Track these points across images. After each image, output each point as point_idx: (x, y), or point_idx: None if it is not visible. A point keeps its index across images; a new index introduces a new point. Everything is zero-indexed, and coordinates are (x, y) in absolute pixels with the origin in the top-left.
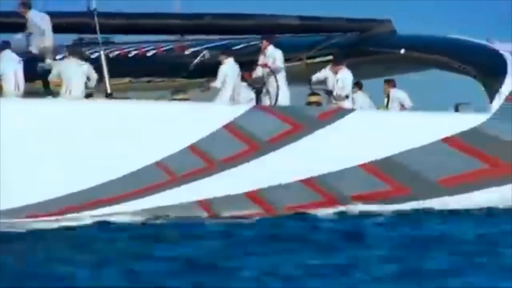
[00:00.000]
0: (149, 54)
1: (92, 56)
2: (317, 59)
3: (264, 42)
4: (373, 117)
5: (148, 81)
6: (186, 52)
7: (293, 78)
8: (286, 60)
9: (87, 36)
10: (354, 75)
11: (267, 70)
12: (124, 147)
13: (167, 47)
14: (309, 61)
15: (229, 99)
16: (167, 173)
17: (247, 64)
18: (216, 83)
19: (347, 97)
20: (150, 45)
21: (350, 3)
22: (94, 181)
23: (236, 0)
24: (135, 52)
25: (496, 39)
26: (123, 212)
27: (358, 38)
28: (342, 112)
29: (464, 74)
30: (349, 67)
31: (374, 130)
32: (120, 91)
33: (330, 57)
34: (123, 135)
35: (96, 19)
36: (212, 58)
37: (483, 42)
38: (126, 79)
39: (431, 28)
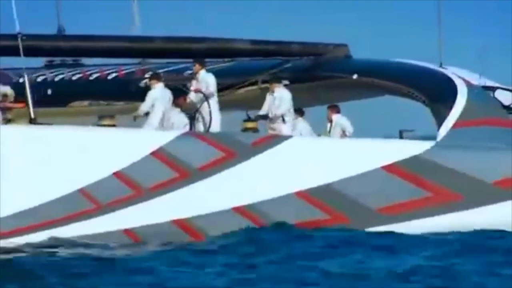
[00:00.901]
0: (110, 77)
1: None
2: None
3: (197, 66)
4: (310, 144)
5: (107, 104)
6: (146, 75)
7: (248, 103)
8: (240, 84)
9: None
10: (307, 100)
11: (200, 95)
12: (47, 173)
13: (128, 70)
14: (263, 85)
15: (158, 124)
16: (91, 201)
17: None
18: (142, 108)
19: (283, 119)
20: (112, 68)
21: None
22: (15, 208)
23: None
24: (97, 74)
25: (450, 65)
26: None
27: (312, 62)
28: (278, 139)
29: (414, 100)
30: (300, 92)
31: (311, 157)
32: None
33: (285, 82)
34: (45, 161)
35: (20, 41)
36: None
37: (436, 67)
38: (86, 102)
39: (393, 53)
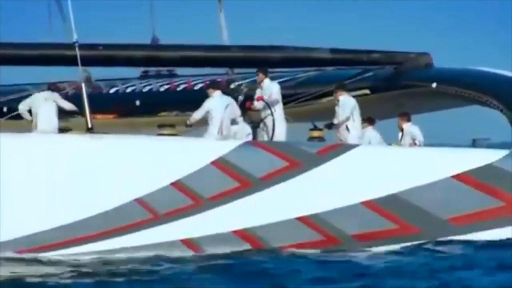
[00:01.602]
0: (196, 87)
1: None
2: (352, 93)
3: (260, 75)
4: (377, 153)
5: None
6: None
7: (330, 112)
8: (321, 95)
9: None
10: (388, 110)
11: (263, 104)
12: (105, 183)
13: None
14: None
15: (217, 133)
16: (149, 211)
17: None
18: (194, 115)
19: (347, 128)
20: (200, 78)
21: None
22: (75, 217)
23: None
24: (184, 85)
25: None
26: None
27: (393, 71)
28: (343, 148)
29: (491, 108)
30: (381, 101)
31: (377, 166)
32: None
33: (366, 91)
34: (103, 171)
35: (77, 50)
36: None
37: None
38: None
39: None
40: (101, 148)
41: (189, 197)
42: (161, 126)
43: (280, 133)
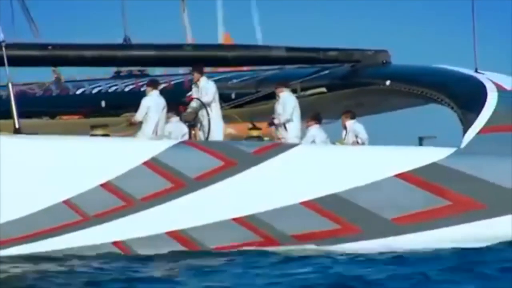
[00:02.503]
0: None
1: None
2: (309, 91)
3: (195, 74)
4: (317, 152)
5: None
6: None
7: None
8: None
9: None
10: (343, 109)
11: (199, 103)
12: (32, 185)
13: (176, 81)
14: (302, 93)
15: (152, 133)
16: (77, 213)
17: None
18: (137, 116)
19: (284, 126)
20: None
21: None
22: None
23: None
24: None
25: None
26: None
27: (350, 69)
28: (281, 147)
29: (443, 106)
30: (337, 100)
31: (318, 165)
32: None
33: (322, 89)
34: (31, 172)
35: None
36: None
37: (469, 72)
38: None
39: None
40: (28, 149)
41: (120, 198)
42: (93, 126)
43: (217, 133)
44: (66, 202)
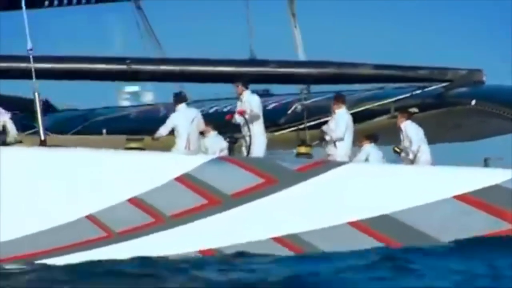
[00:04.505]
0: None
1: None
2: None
3: (239, 87)
4: (366, 171)
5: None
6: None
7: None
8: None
9: None
10: (433, 130)
11: (242, 118)
12: (55, 198)
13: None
14: (396, 113)
15: (184, 147)
16: (101, 228)
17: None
18: (160, 130)
19: (334, 143)
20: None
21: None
22: (22, 232)
23: None
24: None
25: None
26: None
27: (442, 89)
28: (327, 165)
29: None
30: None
31: (368, 185)
32: None
33: (414, 109)
34: (56, 185)
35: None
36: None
37: None
38: None
39: None
40: (54, 162)
41: (149, 214)
42: (129, 140)
43: (258, 149)
44: (89, 217)
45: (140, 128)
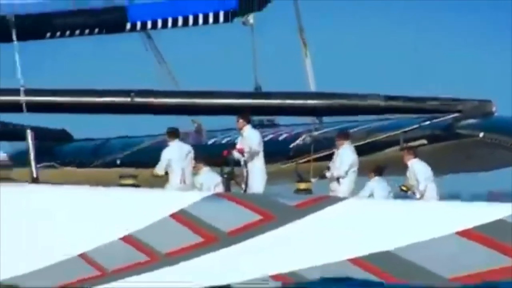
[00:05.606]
0: (280, 138)
1: None
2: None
3: (240, 121)
4: (367, 207)
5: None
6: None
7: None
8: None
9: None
10: (441, 163)
11: (240, 155)
12: (47, 237)
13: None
14: (405, 145)
15: (179, 183)
16: (95, 267)
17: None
18: (156, 168)
19: (337, 179)
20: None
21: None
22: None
23: None
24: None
25: None
26: None
27: (451, 120)
28: (326, 201)
29: None
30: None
31: (367, 221)
32: None
33: (423, 141)
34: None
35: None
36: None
37: None
38: None
39: None
40: (44, 199)
41: (142, 252)
42: (122, 176)
43: (257, 185)
44: (82, 255)
45: (154, 160)
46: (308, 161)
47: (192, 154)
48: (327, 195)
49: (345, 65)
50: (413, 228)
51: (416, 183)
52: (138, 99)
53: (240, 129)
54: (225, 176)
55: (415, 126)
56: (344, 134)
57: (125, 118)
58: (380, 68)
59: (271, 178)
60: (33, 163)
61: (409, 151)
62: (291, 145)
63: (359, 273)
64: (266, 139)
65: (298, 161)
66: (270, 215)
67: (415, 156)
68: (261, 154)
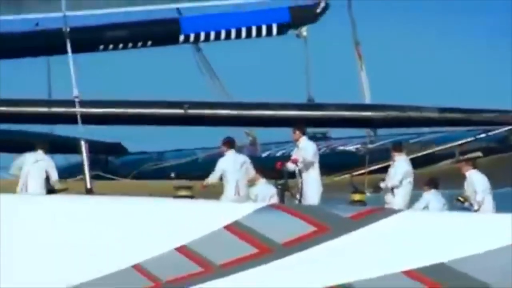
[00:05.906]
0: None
1: None
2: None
3: (297, 133)
4: (422, 219)
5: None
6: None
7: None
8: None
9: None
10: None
11: (295, 166)
12: (101, 248)
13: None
14: (461, 157)
15: (234, 194)
16: (149, 278)
17: None
18: (209, 178)
19: (392, 191)
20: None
21: None
22: (69, 282)
23: None
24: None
25: None
26: None
27: (505, 132)
28: (382, 213)
29: None
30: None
31: (423, 233)
32: None
33: (478, 153)
34: (102, 234)
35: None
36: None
37: None
38: None
39: None
40: (99, 210)
41: (197, 263)
42: (177, 188)
43: (312, 197)
44: (136, 266)
45: (208, 172)
46: (363, 173)
47: (247, 165)
48: (382, 207)
49: (400, 78)
50: (468, 240)
51: (473, 195)
52: (192, 111)
53: (296, 140)
54: (280, 187)
55: (470, 138)
56: (398, 146)
57: (179, 131)
58: (437, 81)
59: (326, 190)
60: (87, 174)
61: (467, 162)
62: (346, 157)
63: (413, 285)
64: (320, 152)
65: (353, 174)
66: (325, 227)
67: (474, 167)
68: (317, 165)
